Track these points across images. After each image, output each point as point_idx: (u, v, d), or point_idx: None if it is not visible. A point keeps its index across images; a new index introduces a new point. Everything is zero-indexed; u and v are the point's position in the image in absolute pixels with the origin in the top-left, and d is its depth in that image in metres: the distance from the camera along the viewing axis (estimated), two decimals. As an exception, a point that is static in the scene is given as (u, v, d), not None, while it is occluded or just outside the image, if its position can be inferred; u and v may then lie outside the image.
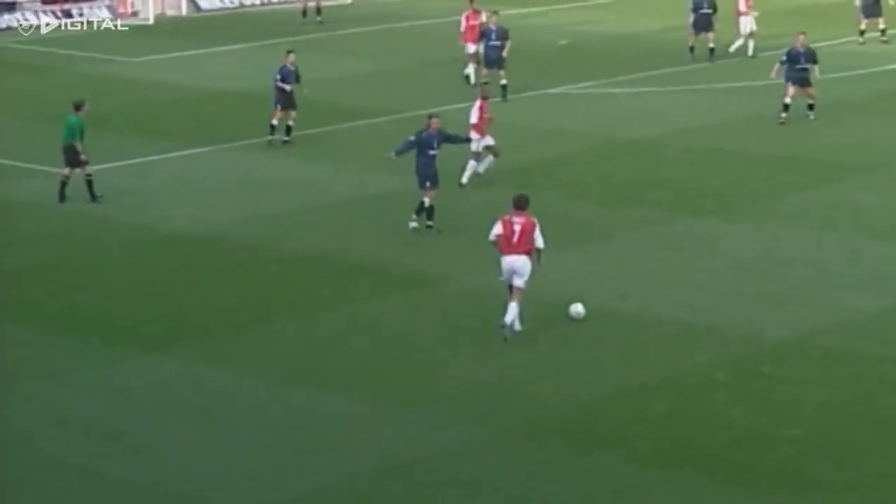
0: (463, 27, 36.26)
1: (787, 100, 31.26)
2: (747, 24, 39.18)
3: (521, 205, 19.99)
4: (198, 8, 52.25)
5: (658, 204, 25.88)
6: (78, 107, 26.39)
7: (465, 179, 27.13)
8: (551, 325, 20.12)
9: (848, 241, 23.42)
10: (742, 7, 39.25)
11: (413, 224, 24.46)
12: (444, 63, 39.07)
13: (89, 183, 26.29)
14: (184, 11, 51.81)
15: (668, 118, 31.70)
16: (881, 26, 40.31)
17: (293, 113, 30.54)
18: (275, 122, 30.44)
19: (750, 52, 38.88)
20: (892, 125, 31.50)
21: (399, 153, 24.80)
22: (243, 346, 19.70)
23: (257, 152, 30.11)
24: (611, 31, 44.52)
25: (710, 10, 38.50)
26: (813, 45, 35.52)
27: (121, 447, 16.62)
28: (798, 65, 31.45)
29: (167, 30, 47.78)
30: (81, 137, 26.17)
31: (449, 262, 22.97)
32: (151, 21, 48.94)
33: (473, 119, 27.32)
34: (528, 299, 21.01)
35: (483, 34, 34.95)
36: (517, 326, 19.57)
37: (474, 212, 25.73)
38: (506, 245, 19.78)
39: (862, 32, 40.48)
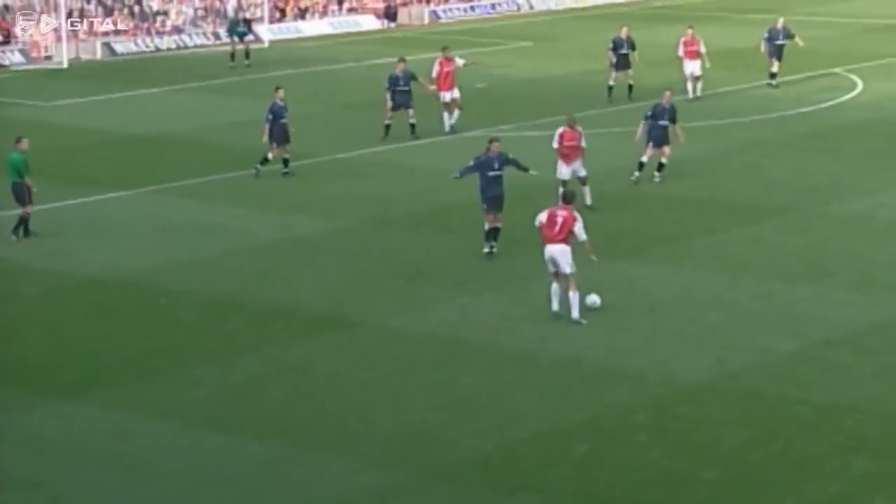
0: (436, 73, 36.08)
1: (645, 158, 30.13)
2: (692, 66, 39.71)
3: (567, 199, 22.81)
4: (112, 52, 52.12)
5: (576, 246, 26.09)
6: (18, 142, 26.77)
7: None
8: (472, 367, 20.25)
9: (761, 283, 23.75)
10: (680, 52, 39.88)
11: (485, 249, 25.26)
12: (362, 107, 39.27)
13: (24, 221, 26.60)
14: (98, 55, 51.65)
15: (586, 161, 31.98)
16: (773, 69, 40.73)
17: (288, 146, 31.53)
18: (270, 156, 31.45)
19: (691, 95, 39.40)
20: (803, 168, 32.09)
21: (461, 175, 25.86)
22: (161, 391, 19.61)
23: (175, 196, 30.06)
24: (527, 75, 45.03)
25: (627, 51, 39.32)
26: (725, 89, 36.23)
27: (37, 497, 16.45)
28: (661, 121, 30.10)
29: (81, 74, 47.59)
30: (27, 172, 26.45)
31: (371, 304, 23.03)
32: (65, 65, 48.71)
33: (555, 144, 28.15)
34: (449, 343, 21.15)
35: (391, 79, 35.05)
36: (574, 314, 21.72)
37: (394, 255, 25.87)
38: (548, 232, 22.16)
39: (773, 75, 41.18)
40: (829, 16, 59.88)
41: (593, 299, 22.18)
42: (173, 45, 53.49)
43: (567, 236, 22.03)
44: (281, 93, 32.01)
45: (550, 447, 17.57)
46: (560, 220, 22.12)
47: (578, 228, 22.14)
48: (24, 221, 26.74)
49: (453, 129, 34.57)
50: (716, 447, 17.49)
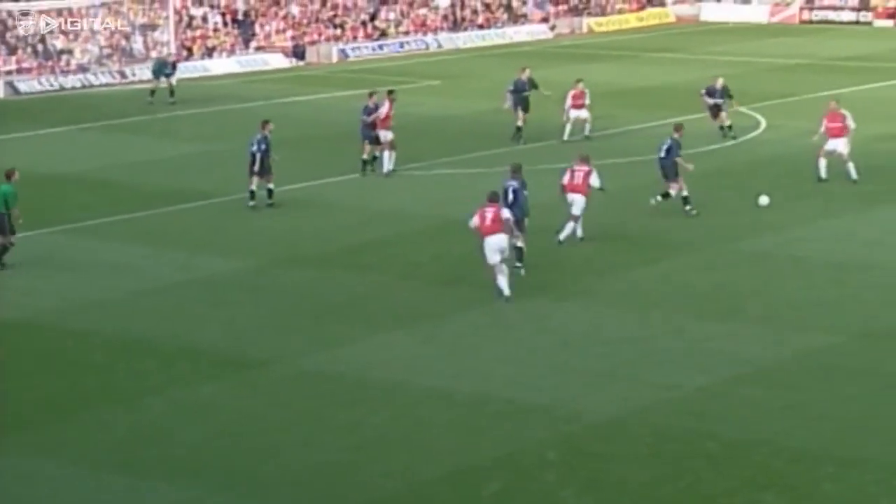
0: (383, 114, 35.74)
1: (672, 192, 30.78)
2: (579, 114, 40.09)
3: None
4: (15, 91, 51.57)
5: (488, 283, 26.19)
6: (9, 175, 27.25)
7: None
8: (383, 406, 20.17)
9: (671, 319, 23.93)
10: (570, 102, 40.09)
11: (518, 268, 26.24)
12: (272, 144, 39.08)
13: (5, 250, 27.08)
14: (1, 94, 51.03)
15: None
16: (726, 122, 40.55)
17: (271, 177, 32.24)
18: (253, 188, 32.17)
19: (566, 137, 39.65)
20: (711, 205, 32.44)
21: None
22: (68, 435, 19.30)
23: (81, 236, 29.71)
24: (437, 113, 45.20)
25: (529, 92, 39.76)
26: (632, 127, 36.53)
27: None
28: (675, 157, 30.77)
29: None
30: (14, 205, 26.90)
31: (280, 343, 22.89)
32: (-33, 104, 48.11)
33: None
34: (360, 382, 21.06)
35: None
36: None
37: (303, 294, 25.76)
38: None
39: (722, 128, 40.48)
40: (731, 55, 60.87)
41: (765, 200, 29.36)
42: (78, 84, 53.03)
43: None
44: (271, 125, 32.81)
45: (461, 486, 17.53)
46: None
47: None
48: (2, 252, 27.07)
49: (391, 171, 35.02)
50: (626, 484, 17.56)
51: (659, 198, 31.50)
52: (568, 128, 40.12)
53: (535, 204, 30.37)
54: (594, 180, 29.17)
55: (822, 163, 34.25)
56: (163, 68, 48.74)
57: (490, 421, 19.56)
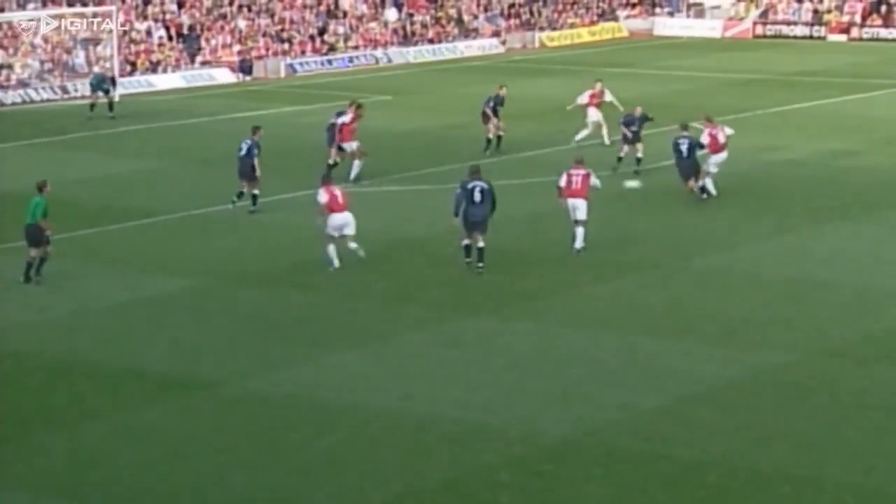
0: (340, 124, 36.23)
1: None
2: (595, 114, 41.52)
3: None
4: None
5: (438, 302, 26.20)
6: (41, 187, 27.61)
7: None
8: (330, 429, 20.09)
9: (623, 338, 23.97)
10: (585, 99, 41.66)
11: (480, 268, 27.74)
12: (218, 162, 38.99)
13: (42, 262, 27.34)
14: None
15: (445, 217, 32.15)
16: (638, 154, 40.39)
17: (256, 183, 33.35)
18: (245, 190, 33.38)
19: (606, 141, 40.99)
20: (663, 222, 32.58)
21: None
22: (4, 459, 19.08)
23: (21, 256, 29.42)
24: (387, 129, 45.17)
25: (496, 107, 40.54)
26: (588, 143, 36.46)
27: None
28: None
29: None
30: (45, 216, 27.26)
31: (226, 364, 22.77)
32: None
33: None
34: (308, 403, 20.98)
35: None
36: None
37: (250, 313, 25.65)
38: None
39: (619, 159, 40.28)
40: (684, 70, 61.26)
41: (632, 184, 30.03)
42: (18, 100, 52.63)
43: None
44: (262, 131, 34.03)
45: (413, 509, 17.46)
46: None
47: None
48: (30, 266, 27.40)
49: (358, 178, 36.00)
50: (580, 506, 17.55)
51: (703, 196, 33.34)
52: (584, 132, 41.26)
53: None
54: (594, 181, 29.82)
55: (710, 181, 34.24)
56: (101, 83, 48.50)
57: (440, 443, 19.53)
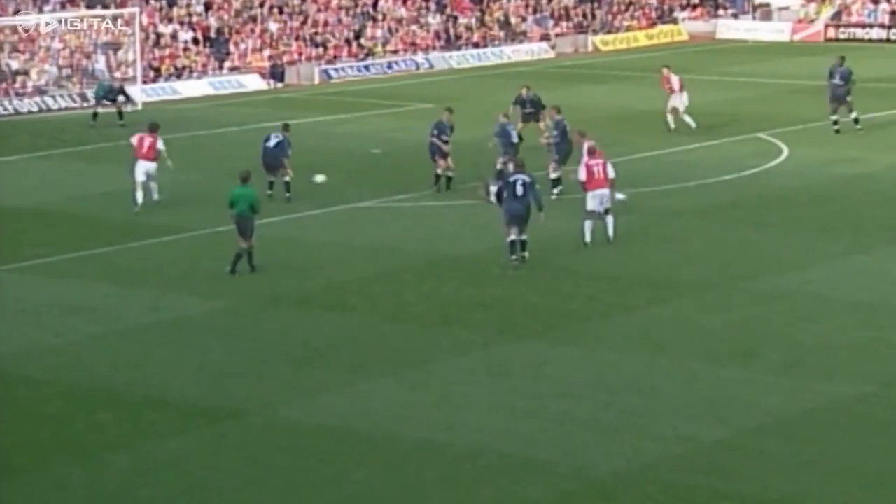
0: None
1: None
2: (678, 100, 44.81)
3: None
4: (-31, 116, 51.62)
5: (482, 325, 26.25)
6: (245, 178, 29.91)
7: None
8: (366, 461, 20.18)
9: (682, 365, 23.96)
10: (675, 85, 44.89)
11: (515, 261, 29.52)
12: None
13: (251, 254, 29.51)
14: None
15: (489, 233, 32.23)
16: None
17: (287, 171, 36.18)
18: (275, 179, 36.05)
19: (693, 125, 44.43)
20: (725, 240, 32.53)
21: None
22: (21, 493, 19.25)
23: (37, 275, 29.73)
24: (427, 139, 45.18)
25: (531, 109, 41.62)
26: (638, 155, 36.47)
27: None
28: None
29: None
30: (256, 209, 29.60)
31: (255, 392, 22.89)
32: None
33: None
34: (342, 434, 21.06)
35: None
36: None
37: (282, 337, 25.78)
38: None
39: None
40: (749, 76, 61.14)
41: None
42: (35, 108, 53.08)
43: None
44: (289, 133, 36.80)
45: (455, 548, 17.52)
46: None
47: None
48: (240, 257, 29.34)
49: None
50: (635, 545, 17.56)
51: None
52: (669, 118, 44.59)
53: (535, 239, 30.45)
54: (611, 171, 31.24)
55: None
56: (107, 94, 48.55)
57: (484, 476, 19.57)
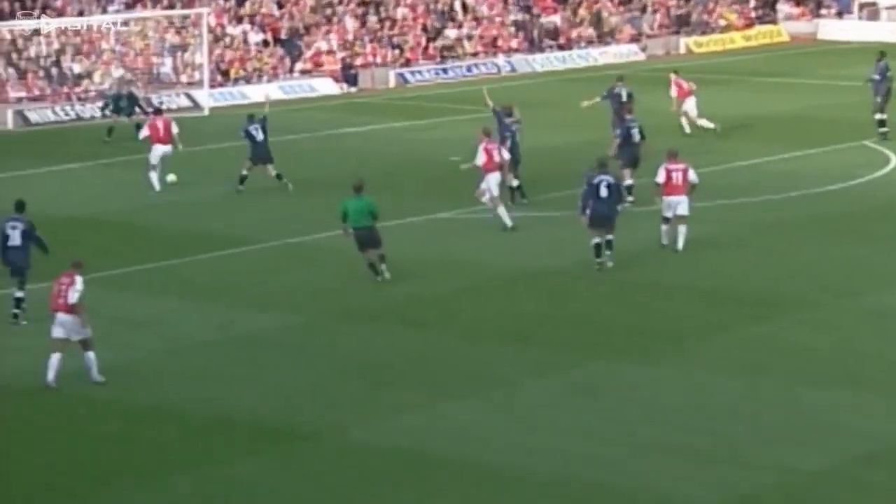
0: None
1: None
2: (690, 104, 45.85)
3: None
4: (26, 121, 52.18)
5: (567, 344, 26.18)
6: (359, 188, 30.20)
7: None
8: (444, 487, 20.14)
9: (783, 388, 23.78)
10: (685, 88, 45.94)
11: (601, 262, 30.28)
12: (318, 184, 39.39)
13: (382, 258, 30.10)
14: (9, 125, 51.73)
15: (575, 246, 32.16)
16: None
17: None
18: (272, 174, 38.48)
19: (714, 127, 45.48)
20: (829, 254, 32.25)
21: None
22: (82, 516, 19.46)
23: (98, 288, 29.90)
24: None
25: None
26: (737, 164, 36.18)
27: None
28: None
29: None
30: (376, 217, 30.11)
31: (328, 411, 22.96)
32: (-32, 136, 48.80)
33: None
34: (418, 458, 21.05)
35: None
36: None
37: (356, 354, 25.84)
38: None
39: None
40: (854, 80, 60.54)
41: None
42: (97, 114, 53.51)
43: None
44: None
45: (539, 581, 17.46)
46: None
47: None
48: (373, 266, 30.01)
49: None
50: (732, 580, 17.42)
51: None
52: (683, 120, 45.72)
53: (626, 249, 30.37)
54: (693, 176, 31.59)
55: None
56: (117, 102, 47.30)
57: (571, 505, 19.50)
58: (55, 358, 23.92)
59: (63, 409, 23.36)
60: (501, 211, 34.18)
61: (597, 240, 30.43)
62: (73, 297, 24.00)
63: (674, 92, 46.54)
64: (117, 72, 55.88)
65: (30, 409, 23.44)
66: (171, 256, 32.61)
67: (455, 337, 26.70)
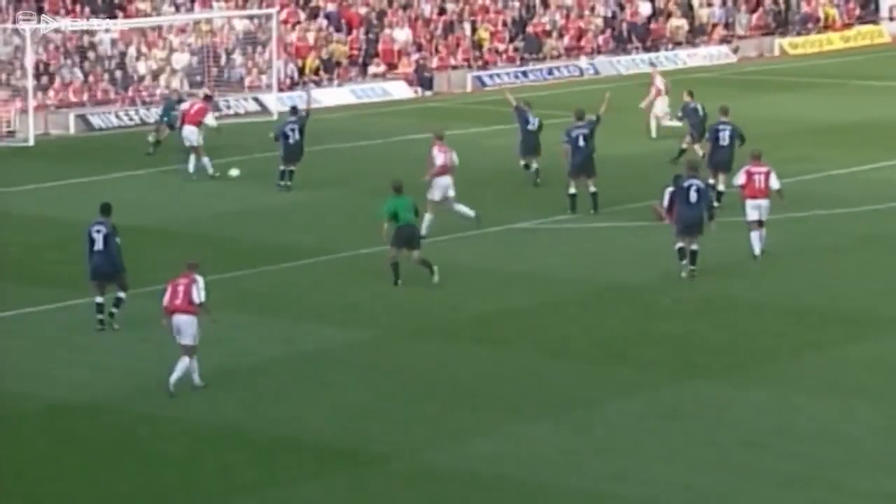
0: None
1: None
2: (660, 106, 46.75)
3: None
4: (89, 126, 52.59)
5: (653, 363, 26.02)
6: (399, 188, 31.00)
7: None
8: (523, 514, 20.10)
9: (882, 411, 23.56)
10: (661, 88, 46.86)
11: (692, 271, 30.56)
12: (410, 192, 39.33)
13: (424, 261, 30.80)
14: (72, 130, 52.17)
15: (660, 258, 31.99)
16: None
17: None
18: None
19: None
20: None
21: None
22: (141, 542, 19.52)
23: (160, 301, 30.06)
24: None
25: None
26: (834, 172, 35.88)
27: None
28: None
29: (52, 153, 48.01)
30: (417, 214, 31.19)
31: (398, 433, 22.93)
32: (31, 142, 49.20)
33: None
34: (495, 482, 20.95)
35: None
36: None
37: (428, 373, 25.80)
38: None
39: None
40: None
41: None
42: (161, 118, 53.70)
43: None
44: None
45: None
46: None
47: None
48: (397, 265, 30.70)
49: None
50: None
51: None
52: (652, 123, 46.67)
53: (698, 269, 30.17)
54: (774, 182, 31.77)
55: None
56: (169, 111, 46.29)
57: (656, 535, 19.36)
58: (181, 363, 24.66)
59: (123, 428, 23.46)
60: (460, 207, 34.71)
61: (680, 244, 30.66)
62: (200, 295, 24.80)
63: (654, 90, 47.23)
64: (181, 74, 56.10)
65: (87, 427, 23.56)
66: (235, 268, 32.67)
67: (533, 355, 26.61)
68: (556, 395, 24.59)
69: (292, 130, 40.56)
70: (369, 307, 29.80)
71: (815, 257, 32.60)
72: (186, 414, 23.97)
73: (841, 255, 33.05)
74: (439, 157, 34.86)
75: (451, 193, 34.61)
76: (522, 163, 40.52)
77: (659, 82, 47.52)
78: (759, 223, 31.93)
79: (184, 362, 24.61)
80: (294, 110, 41.86)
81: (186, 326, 24.70)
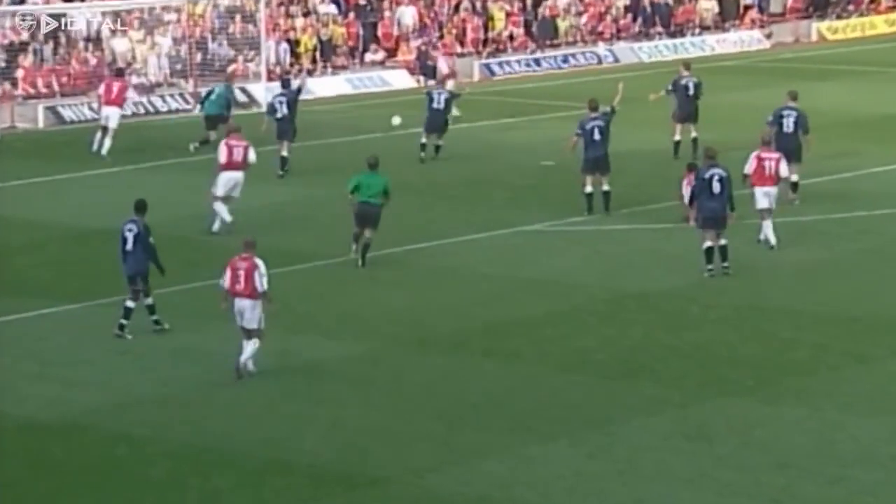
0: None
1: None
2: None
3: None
4: (60, 119, 52.67)
5: (679, 378, 26.08)
6: (374, 165, 32.95)
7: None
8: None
9: (932, 430, 23.65)
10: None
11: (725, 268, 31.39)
12: (393, 191, 39.38)
13: (367, 247, 32.42)
14: (41, 124, 52.26)
15: (689, 264, 32.06)
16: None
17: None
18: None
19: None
20: None
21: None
22: (119, 572, 19.60)
23: (140, 311, 30.18)
24: (612, 148, 45.04)
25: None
26: (876, 169, 35.94)
27: None
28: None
29: (18, 148, 48.08)
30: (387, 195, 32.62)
31: (399, 454, 23.00)
32: (-4, 136, 49.35)
33: None
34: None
35: None
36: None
37: (431, 389, 25.86)
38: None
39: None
40: None
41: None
42: (141, 111, 53.91)
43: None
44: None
45: None
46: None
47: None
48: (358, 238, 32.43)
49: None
50: None
51: None
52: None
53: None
54: (783, 169, 32.78)
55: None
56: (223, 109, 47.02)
57: (681, 565, 19.44)
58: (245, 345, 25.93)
59: (100, 449, 23.55)
60: (218, 206, 35.87)
61: (709, 243, 31.03)
62: (263, 283, 25.86)
63: None
64: (163, 63, 56.15)
65: (60, 448, 23.64)
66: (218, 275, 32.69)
67: (546, 369, 26.68)
68: (572, 412, 24.66)
69: (280, 104, 41.78)
70: (368, 316, 29.88)
71: (857, 261, 32.67)
72: (169, 434, 24.04)
73: (885, 259, 33.11)
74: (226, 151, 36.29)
75: (236, 194, 36.08)
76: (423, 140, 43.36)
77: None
78: (767, 212, 32.80)
79: (252, 344, 25.61)
80: (286, 83, 43.52)
81: (250, 310, 25.69)
